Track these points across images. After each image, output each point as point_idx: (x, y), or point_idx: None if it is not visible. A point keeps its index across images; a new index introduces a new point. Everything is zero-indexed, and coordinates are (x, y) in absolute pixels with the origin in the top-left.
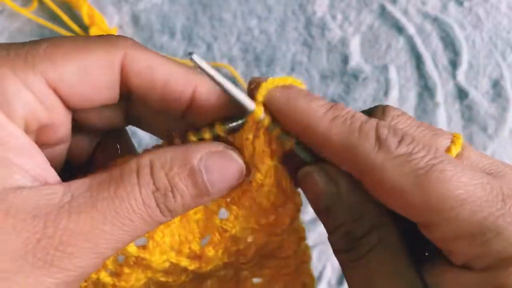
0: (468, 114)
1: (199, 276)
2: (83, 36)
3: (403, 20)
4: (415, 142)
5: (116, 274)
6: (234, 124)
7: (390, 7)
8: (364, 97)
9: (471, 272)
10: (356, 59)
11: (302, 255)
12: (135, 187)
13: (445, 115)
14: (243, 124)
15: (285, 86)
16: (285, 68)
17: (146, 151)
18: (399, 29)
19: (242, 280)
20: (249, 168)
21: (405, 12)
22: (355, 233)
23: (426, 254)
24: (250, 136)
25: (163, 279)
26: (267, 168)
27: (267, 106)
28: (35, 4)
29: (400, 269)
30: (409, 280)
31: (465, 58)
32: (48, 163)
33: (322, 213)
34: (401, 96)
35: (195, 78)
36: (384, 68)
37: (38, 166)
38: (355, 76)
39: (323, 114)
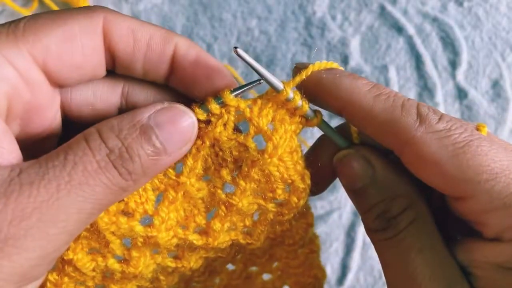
0: (468, 114)
1: (209, 271)
2: (61, 9)
3: (403, 20)
4: (454, 120)
5: (124, 260)
6: (240, 91)
7: (389, 8)
8: None
9: (503, 243)
10: (356, 59)
11: (310, 243)
12: (86, 151)
13: None
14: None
15: (330, 68)
16: (285, 68)
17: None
18: (399, 29)
19: (252, 276)
20: (265, 139)
21: (405, 13)
22: (391, 212)
23: (456, 232)
24: (270, 108)
25: (172, 264)
26: (283, 131)
27: (310, 87)
28: (35, 5)
29: (435, 243)
30: (444, 255)
31: (464, 58)
32: (12, 144)
33: (358, 195)
34: None
35: (174, 37)
36: (384, 68)
37: None
38: None
39: (367, 91)
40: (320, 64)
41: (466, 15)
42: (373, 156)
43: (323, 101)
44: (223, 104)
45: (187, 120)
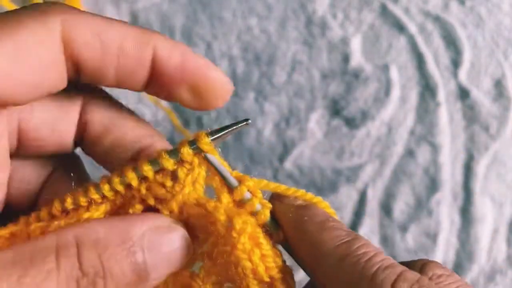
0: (470, 114)
1: None
2: (8, 12)
3: (404, 19)
4: None
5: None
6: (222, 133)
7: (391, 6)
8: (365, 97)
9: None
10: (357, 58)
11: None
12: (51, 274)
13: (447, 115)
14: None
15: (301, 205)
16: (285, 67)
17: (71, 225)
18: (400, 28)
19: None
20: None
21: (406, 11)
22: None
23: None
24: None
25: None
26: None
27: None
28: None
29: None
30: None
31: (466, 57)
32: None
33: None
34: (402, 95)
35: (153, 37)
36: (385, 68)
37: None
38: (356, 75)
39: (333, 248)
40: (299, 195)
41: (468, 14)
42: None
43: (291, 244)
44: (198, 149)
45: (183, 247)
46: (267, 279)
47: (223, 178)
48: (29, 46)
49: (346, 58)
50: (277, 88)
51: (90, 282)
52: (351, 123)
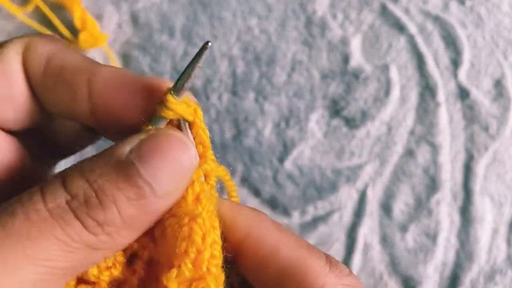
0: (470, 113)
1: None
2: None
3: (404, 19)
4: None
5: None
6: (184, 81)
7: (391, 6)
8: (364, 97)
9: None
10: (356, 58)
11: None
12: (36, 198)
13: (447, 115)
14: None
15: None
16: (285, 67)
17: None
18: (400, 28)
19: None
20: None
21: (406, 11)
22: None
23: None
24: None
25: None
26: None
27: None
28: (31, 6)
29: None
30: None
31: (466, 57)
32: None
33: None
34: (402, 95)
35: (91, 65)
36: (385, 68)
37: None
38: (356, 75)
39: (271, 222)
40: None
41: (468, 14)
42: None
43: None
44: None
45: (182, 146)
46: (203, 268)
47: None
48: None
49: (346, 58)
50: (277, 88)
51: (82, 202)
52: (351, 123)
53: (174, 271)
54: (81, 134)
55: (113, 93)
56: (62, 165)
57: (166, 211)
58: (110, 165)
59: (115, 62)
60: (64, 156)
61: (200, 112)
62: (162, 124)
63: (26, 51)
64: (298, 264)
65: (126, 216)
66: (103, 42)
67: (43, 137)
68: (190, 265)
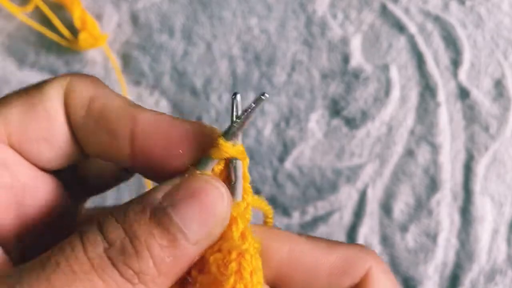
0: (470, 114)
1: None
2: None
3: (404, 19)
4: None
5: None
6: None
7: (391, 6)
8: (365, 97)
9: None
10: (357, 58)
11: None
12: (77, 247)
13: (447, 115)
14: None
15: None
16: (285, 67)
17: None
18: (400, 28)
19: None
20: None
21: (406, 11)
22: None
23: None
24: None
25: None
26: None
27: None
28: (30, 6)
29: None
30: None
31: (466, 57)
32: None
33: None
34: (402, 95)
35: (134, 109)
36: (385, 68)
37: None
38: (356, 75)
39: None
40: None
41: (468, 14)
42: None
43: None
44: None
45: (215, 193)
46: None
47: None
48: (35, 104)
49: (346, 58)
50: (277, 88)
51: (118, 250)
52: (351, 123)
53: None
54: (116, 173)
55: (156, 139)
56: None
57: (207, 250)
58: (144, 212)
59: (115, 62)
60: (97, 192)
61: (244, 151)
62: (209, 168)
63: (68, 92)
64: (341, 265)
65: (159, 263)
66: (103, 42)
67: (78, 174)
68: None
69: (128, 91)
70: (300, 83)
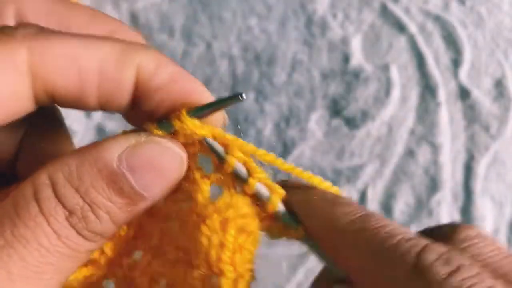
0: (470, 113)
1: None
2: None
3: (405, 19)
4: (481, 284)
5: None
6: (207, 110)
7: (391, 6)
8: (365, 97)
9: None
10: (357, 58)
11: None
12: (39, 219)
13: (447, 114)
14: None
15: (310, 187)
16: (285, 67)
17: (45, 165)
18: (401, 28)
19: None
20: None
21: (407, 11)
22: None
23: None
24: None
25: None
26: (246, 200)
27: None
28: None
29: None
30: None
31: (467, 57)
32: None
33: None
34: (402, 95)
35: (136, 55)
36: (386, 67)
37: None
38: (356, 75)
39: (347, 223)
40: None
41: (468, 14)
42: None
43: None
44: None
45: (172, 156)
46: (214, 269)
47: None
48: None
49: (346, 58)
50: (277, 88)
51: (80, 218)
52: (351, 123)
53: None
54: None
55: (160, 94)
56: None
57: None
58: (100, 174)
59: None
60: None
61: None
62: (166, 132)
63: (37, 58)
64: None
65: (117, 220)
66: None
67: None
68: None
69: None
70: (300, 83)
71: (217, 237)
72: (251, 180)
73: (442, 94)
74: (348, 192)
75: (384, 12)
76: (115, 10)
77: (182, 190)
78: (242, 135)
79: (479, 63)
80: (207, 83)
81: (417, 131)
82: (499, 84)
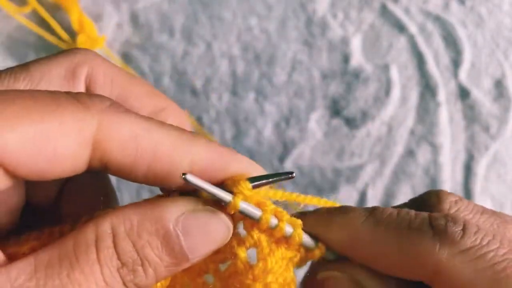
0: (470, 114)
1: None
2: (47, 92)
3: (405, 19)
4: (482, 231)
5: None
6: (263, 181)
7: (391, 6)
8: (365, 97)
9: None
10: (357, 58)
11: None
12: (94, 267)
13: (447, 115)
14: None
15: (331, 211)
16: (286, 67)
17: (106, 212)
18: (401, 28)
19: None
20: (258, 256)
21: (407, 11)
22: None
23: None
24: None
25: None
26: (280, 256)
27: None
28: (27, 8)
29: None
30: None
31: (467, 57)
32: None
33: None
34: (402, 95)
35: (193, 145)
36: (385, 68)
37: None
38: (356, 75)
39: (362, 223)
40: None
41: (469, 14)
42: (365, 275)
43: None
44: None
45: (220, 227)
46: None
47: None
48: (50, 139)
49: (346, 58)
50: (277, 88)
51: (130, 271)
52: (351, 123)
53: None
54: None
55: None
56: None
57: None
58: (157, 234)
59: (119, 62)
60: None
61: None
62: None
63: (104, 130)
64: (404, 254)
65: (160, 278)
66: (101, 44)
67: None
68: None
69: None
70: (300, 83)
71: None
72: (297, 232)
73: (442, 94)
74: (348, 192)
75: (384, 12)
76: (115, 10)
77: (220, 252)
78: (242, 135)
79: (479, 63)
80: (207, 83)
81: (417, 131)
82: (499, 84)
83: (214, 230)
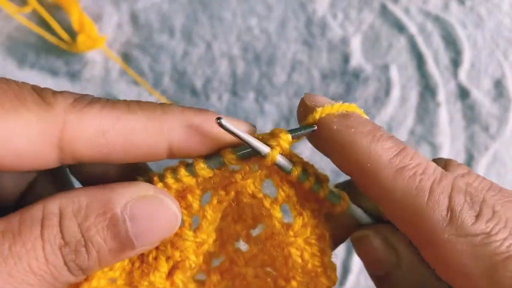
0: (470, 114)
1: None
2: (14, 84)
3: (404, 19)
4: (496, 218)
5: None
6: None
7: (391, 6)
8: (365, 97)
9: None
10: (357, 58)
11: None
12: (37, 242)
13: (447, 115)
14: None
15: (344, 115)
16: (285, 67)
17: (59, 193)
18: (400, 28)
19: None
20: (293, 213)
21: (407, 11)
22: None
23: None
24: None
25: None
26: (313, 210)
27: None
28: (27, 8)
29: None
30: None
31: (466, 57)
32: None
33: (381, 281)
34: (402, 95)
35: (166, 123)
36: (385, 68)
37: None
38: (356, 75)
39: (389, 160)
40: (332, 107)
41: (468, 14)
42: (397, 237)
43: (333, 159)
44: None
45: (170, 216)
46: (312, 274)
47: (248, 145)
48: (15, 135)
49: (346, 58)
50: (277, 88)
51: (72, 250)
52: None
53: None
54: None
55: (197, 145)
56: None
57: None
58: (104, 216)
59: (119, 61)
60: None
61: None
62: (217, 164)
63: (69, 128)
64: (413, 214)
65: (103, 263)
66: (101, 44)
67: None
68: (301, 275)
69: (128, 91)
70: (300, 83)
71: (307, 253)
72: (325, 185)
73: (441, 94)
74: None
75: (384, 12)
76: (115, 10)
77: (254, 215)
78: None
79: (479, 63)
80: (207, 83)
81: (417, 131)
82: (498, 84)
83: (163, 218)
